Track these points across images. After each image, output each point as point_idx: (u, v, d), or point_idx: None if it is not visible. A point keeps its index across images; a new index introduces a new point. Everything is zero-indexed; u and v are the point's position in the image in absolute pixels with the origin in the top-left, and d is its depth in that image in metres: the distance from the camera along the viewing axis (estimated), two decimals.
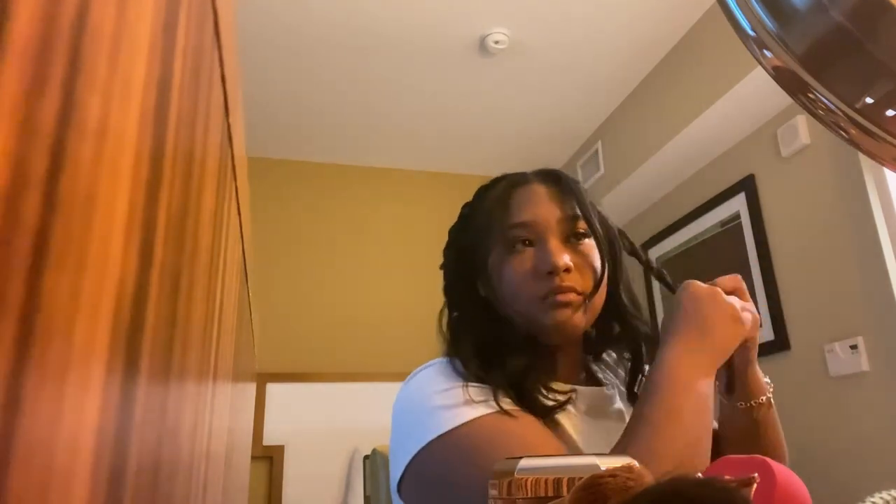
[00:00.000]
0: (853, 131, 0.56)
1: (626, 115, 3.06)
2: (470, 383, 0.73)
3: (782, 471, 0.49)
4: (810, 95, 0.56)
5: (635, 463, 0.33)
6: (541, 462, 0.37)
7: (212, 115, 0.38)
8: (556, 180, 0.81)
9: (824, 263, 2.14)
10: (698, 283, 0.75)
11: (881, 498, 0.48)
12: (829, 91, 0.54)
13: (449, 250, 0.89)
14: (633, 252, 0.88)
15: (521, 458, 0.37)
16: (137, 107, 0.21)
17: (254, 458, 2.61)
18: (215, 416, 0.65)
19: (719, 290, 0.74)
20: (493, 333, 0.80)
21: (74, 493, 0.17)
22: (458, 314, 0.84)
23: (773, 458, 0.59)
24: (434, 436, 0.67)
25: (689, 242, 2.78)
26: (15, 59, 0.11)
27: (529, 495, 0.35)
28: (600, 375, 0.87)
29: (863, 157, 2.03)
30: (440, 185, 3.66)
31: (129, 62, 0.19)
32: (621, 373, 0.89)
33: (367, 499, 1.25)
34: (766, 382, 0.81)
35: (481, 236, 0.81)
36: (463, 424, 0.67)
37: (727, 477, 0.36)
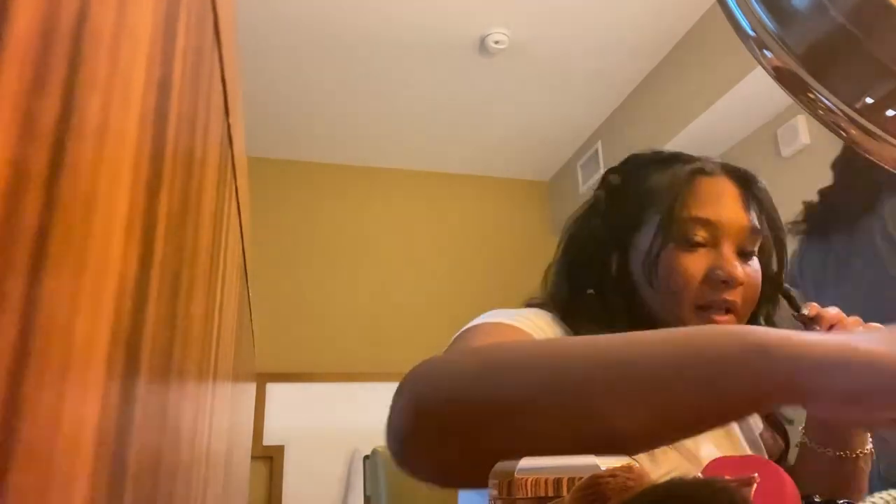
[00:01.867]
0: (853, 131, 0.56)
1: (626, 115, 3.06)
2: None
3: (783, 471, 0.49)
4: (810, 95, 0.56)
5: (635, 463, 0.33)
6: (541, 462, 0.37)
7: (212, 115, 0.38)
8: (747, 182, 0.74)
9: None
10: None
11: (881, 498, 0.48)
12: (829, 91, 0.54)
13: (591, 219, 0.79)
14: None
15: (520, 458, 0.37)
16: (137, 107, 0.21)
17: (254, 458, 2.61)
18: (215, 415, 0.65)
19: None
20: (629, 321, 0.73)
21: (74, 492, 0.17)
22: (597, 292, 0.76)
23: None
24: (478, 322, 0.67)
25: None
26: (15, 59, 0.11)
27: (529, 495, 0.35)
28: None
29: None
30: (440, 185, 3.65)
31: (129, 62, 0.19)
32: None
33: (367, 499, 1.25)
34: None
35: (643, 215, 0.74)
36: (492, 322, 0.66)
37: (727, 477, 0.36)
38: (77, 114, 0.15)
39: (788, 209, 2.27)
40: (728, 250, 0.70)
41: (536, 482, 0.35)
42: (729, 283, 0.69)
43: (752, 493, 0.37)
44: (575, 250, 0.79)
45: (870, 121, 0.54)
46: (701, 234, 0.71)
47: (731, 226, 0.71)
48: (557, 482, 0.35)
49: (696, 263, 0.70)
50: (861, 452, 0.72)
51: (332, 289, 3.33)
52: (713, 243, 0.71)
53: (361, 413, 2.99)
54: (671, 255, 0.71)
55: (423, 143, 3.41)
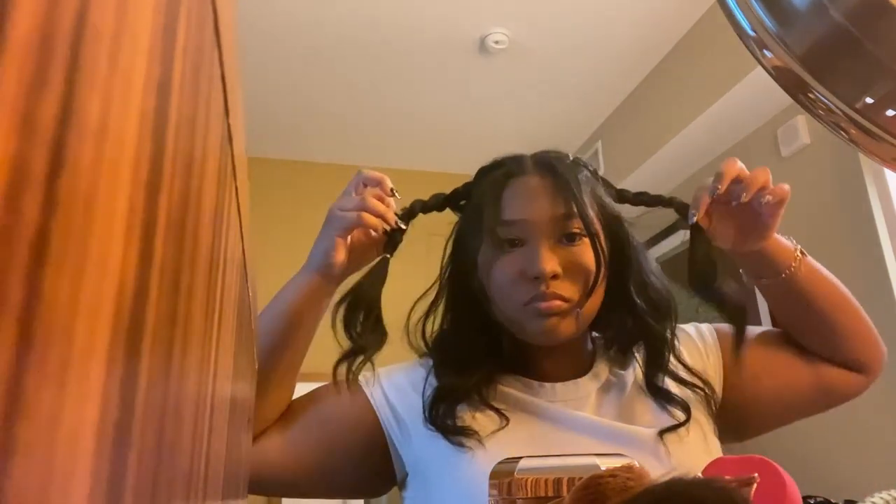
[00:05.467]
0: (853, 131, 0.56)
1: (626, 115, 3.06)
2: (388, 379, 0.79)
3: (783, 471, 0.49)
4: (810, 95, 0.56)
5: (635, 463, 0.33)
6: (541, 462, 0.37)
7: (212, 115, 0.38)
8: (552, 171, 0.76)
9: (824, 263, 2.14)
10: None
11: (881, 498, 0.48)
12: (829, 91, 0.54)
13: (450, 238, 0.85)
14: (625, 200, 0.82)
15: (520, 458, 0.37)
16: (137, 107, 0.21)
17: None
18: (215, 415, 0.65)
19: None
20: (477, 328, 0.78)
21: (74, 493, 0.17)
22: (452, 315, 0.81)
23: (846, 318, 0.59)
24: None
25: None
26: (15, 59, 0.11)
27: (529, 495, 0.35)
28: (600, 368, 0.82)
29: (863, 157, 2.03)
30: (440, 185, 3.63)
31: (129, 62, 0.19)
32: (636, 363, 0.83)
33: (366, 499, 1.25)
34: (790, 242, 0.77)
35: (472, 228, 0.78)
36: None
37: (727, 477, 0.36)
38: (77, 114, 0.15)
39: (789, 209, 2.26)
40: (543, 244, 0.72)
41: (536, 482, 0.36)
42: (540, 277, 0.70)
43: (752, 493, 0.38)
44: (445, 286, 0.83)
45: (870, 121, 0.54)
46: (512, 236, 0.73)
47: (539, 219, 0.72)
48: (557, 482, 0.35)
49: (509, 265, 0.73)
50: (793, 266, 0.76)
51: None
52: (527, 242, 0.73)
53: None
54: (492, 262, 0.74)
55: (423, 143, 3.41)
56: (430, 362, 0.80)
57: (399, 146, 3.43)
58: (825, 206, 2.15)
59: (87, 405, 0.17)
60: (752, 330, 0.83)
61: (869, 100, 0.53)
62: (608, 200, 0.79)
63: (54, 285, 0.14)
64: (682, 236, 2.92)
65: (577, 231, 0.73)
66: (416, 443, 0.76)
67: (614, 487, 0.30)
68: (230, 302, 0.79)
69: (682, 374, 0.78)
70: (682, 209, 0.77)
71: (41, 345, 0.13)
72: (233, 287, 0.80)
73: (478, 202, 0.78)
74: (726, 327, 0.80)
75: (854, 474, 1.93)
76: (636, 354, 0.82)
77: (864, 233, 2.01)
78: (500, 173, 0.78)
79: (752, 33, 0.58)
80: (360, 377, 0.77)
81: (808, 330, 0.79)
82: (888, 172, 2.00)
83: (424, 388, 0.78)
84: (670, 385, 0.78)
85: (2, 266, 0.11)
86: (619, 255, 0.77)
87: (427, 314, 0.81)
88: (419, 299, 0.83)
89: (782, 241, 0.78)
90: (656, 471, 0.34)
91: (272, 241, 3.29)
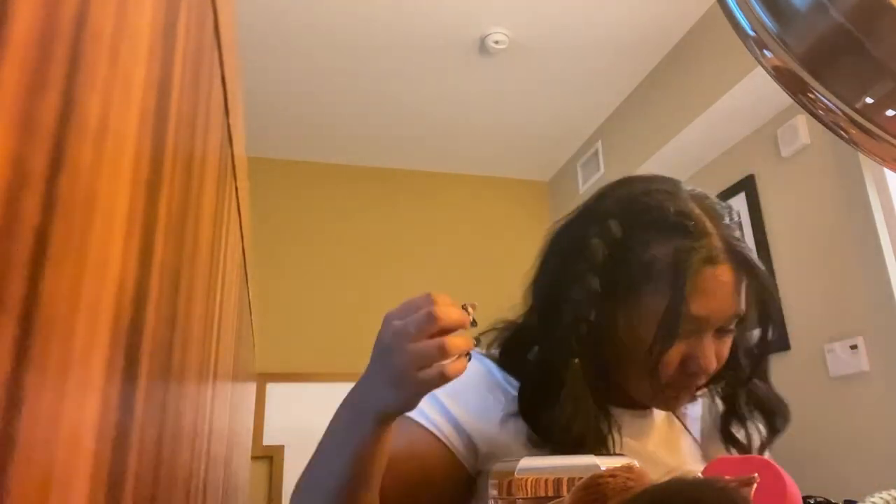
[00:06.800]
0: (853, 131, 0.56)
1: (626, 115, 3.06)
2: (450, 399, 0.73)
3: (783, 471, 0.49)
4: (810, 95, 0.56)
5: (635, 463, 0.33)
6: (541, 462, 0.37)
7: (212, 115, 0.38)
8: (748, 270, 0.71)
9: (824, 263, 2.14)
10: None
11: (881, 498, 0.48)
12: (829, 91, 0.54)
13: (580, 263, 0.73)
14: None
15: (520, 458, 0.37)
16: (137, 107, 0.21)
17: (254, 458, 2.60)
18: (215, 416, 0.65)
19: None
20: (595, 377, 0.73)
21: (74, 492, 0.17)
22: (542, 346, 0.75)
23: None
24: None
25: None
26: (15, 59, 0.11)
27: (529, 495, 0.35)
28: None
29: (863, 157, 2.03)
30: (440, 185, 3.65)
31: (129, 62, 0.19)
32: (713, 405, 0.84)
33: None
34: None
35: (641, 286, 0.70)
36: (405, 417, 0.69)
37: (727, 477, 0.36)
38: (77, 114, 0.15)
39: (789, 209, 2.27)
40: (709, 339, 0.70)
41: (536, 482, 0.36)
42: (699, 374, 0.70)
43: (752, 493, 0.38)
44: (552, 287, 0.75)
45: (870, 121, 0.54)
46: (689, 328, 0.69)
47: (721, 317, 0.69)
48: (557, 482, 0.35)
49: (675, 354, 0.69)
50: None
51: (332, 289, 3.33)
52: (697, 331, 0.69)
53: None
54: (661, 343, 0.68)
55: (423, 143, 3.41)
56: (502, 376, 0.76)
57: (399, 146, 3.43)
58: (825, 206, 2.15)
59: (87, 405, 0.17)
60: None
61: (869, 100, 0.53)
62: (768, 282, 0.77)
63: (54, 285, 0.14)
64: None
65: (733, 327, 0.72)
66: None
67: (614, 487, 0.30)
68: (230, 302, 0.79)
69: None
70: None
71: (41, 344, 0.13)
72: (233, 287, 0.80)
73: (650, 265, 0.70)
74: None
75: (854, 474, 1.93)
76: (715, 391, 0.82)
77: (864, 233, 2.01)
78: (692, 254, 0.69)
79: (752, 33, 0.58)
80: (425, 419, 0.72)
81: None
82: (888, 172, 2.00)
83: (505, 415, 0.73)
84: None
85: (2, 266, 0.11)
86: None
87: (533, 342, 0.77)
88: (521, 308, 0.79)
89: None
90: None
91: (272, 241, 3.29)
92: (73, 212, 0.15)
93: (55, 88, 0.14)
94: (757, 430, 0.80)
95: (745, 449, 0.78)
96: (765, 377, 0.79)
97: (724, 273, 0.69)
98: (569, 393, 0.70)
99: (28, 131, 0.12)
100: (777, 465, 0.49)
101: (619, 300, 0.72)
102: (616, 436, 0.72)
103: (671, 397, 0.72)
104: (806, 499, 0.52)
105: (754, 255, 0.73)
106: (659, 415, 0.80)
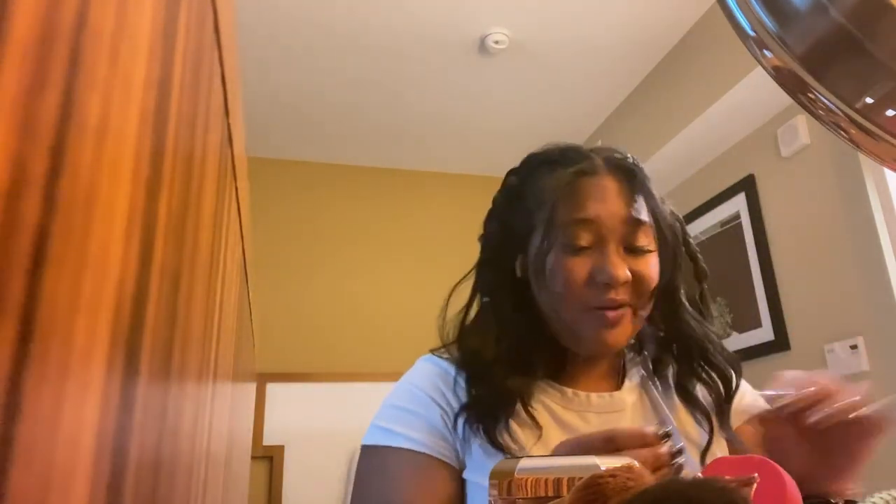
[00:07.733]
0: (853, 131, 0.56)
1: (626, 115, 3.06)
2: (414, 406, 0.73)
3: (783, 471, 0.49)
4: (810, 95, 0.56)
5: (635, 463, 0.33)
6: (541, 462, 0.37)
7: (212, 115, 0.38)
8: (628, 175, 0.73)
9: (824, 263, 2.14)
10: None
11: (881, 498, 0.48)
12: (829, 91, 0.54)
13: (492, 222, 0.81)
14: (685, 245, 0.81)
15: (520, 458, 0.37)
16: (137, 107, 0.21)
17: (254, 458, 2.60)
18: (215, 416, 0.65)
19: None
20: (522, 328, 0.75)
21: (74, 492, 0.17)
22: (490, 299, 0.78)
23: None
24: (362, 442, 0.75)
25: None
26: (15, 59, 0.11)
27: (529, 495, 0.35)
28: (633, 381, 0.80)
29: (863, 157, 2.03)
30: (440, 185, 3.65)
31: (129, 62, 0.19)
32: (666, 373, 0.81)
33: None
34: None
35: (534, 218, 0.74)
36: (370, 445, 0.73)
37: (727, 477, 0.36)
38: (77, 114, 0.15)
39: (789, 209, 2.27)
40: (611, 249, 0.70)
41: (536, 482, 0.36)
42: (611, 284, 0.69)
43: (752, 493, 0.38)
44: (484, 253, 0.81)
45: (870, 121, 0.54)
46: (584, 236, 0.70)
47: (613, 222, 0.70)
48: (557, 482, 0.35)
49: (579, 266, 0.70)
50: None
51: (332, 289, 3.33)
52: (597, 243, 0.70)
53: (362, 413, 2.97)
54: (557, 258, 0.71)
55: (423, 143, 3.41)
56: (446, 364, 0.77)
57: (399, 146, 3.43)
58: (825, 206, 2.15)
59: (86, 405, 0.17)
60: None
61: (869, 100, 0.53)
62: (665, 207, 0.77)
63: (54, 285, 0.14)
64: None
65: (645, 243, 0.72)
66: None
67: (614, 487, 0.30)
68: (230, 302, 0.79)
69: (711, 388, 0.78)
70: (703, 274, 0.80)
71: (41, 344, 0.13)
72: (233, 287, 0.80)
73: (544, 190, 0.74)
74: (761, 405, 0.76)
75: None
76: (671, 357, 0.80)
77: (864, 233, 2.01)
78: (570, 172, 0.73)
79: (752, 33, 0.58)
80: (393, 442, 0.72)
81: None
82: (888, 172, 2.00)
83: (455, 392, 0.74)
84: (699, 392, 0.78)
85: (2, 266, 0.11)
86: (673, 262, 0.76)
87: (467, 308, 0.79)
88: (457, 284, 0.80)
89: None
90: None
91: (272, 241, 3.29)
92: (73, 212, 0.15)
93: (55, 88, 0.14)
94: (713, 385, 0.78)
95: (699, 405, 0.77)
96: (699, 307, 0.79)
97: (602, 180, 0.72)
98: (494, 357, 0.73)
99: (28, 131, 0.12)
100: (776, 465, 0.49)
101: (526, 239, 0.75)
102: (539, 407, 0.73)
103: (601, 322, 0.70)
104: (806, 499, 0.52)
105: (641, 169, 0.75)
106: (625, 398, 0.77)
